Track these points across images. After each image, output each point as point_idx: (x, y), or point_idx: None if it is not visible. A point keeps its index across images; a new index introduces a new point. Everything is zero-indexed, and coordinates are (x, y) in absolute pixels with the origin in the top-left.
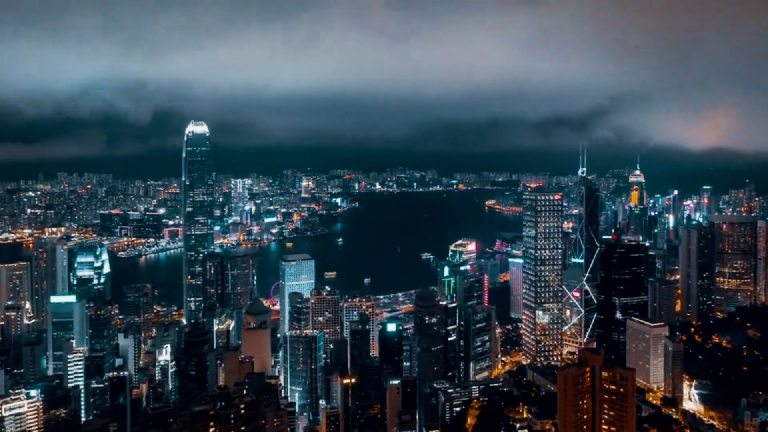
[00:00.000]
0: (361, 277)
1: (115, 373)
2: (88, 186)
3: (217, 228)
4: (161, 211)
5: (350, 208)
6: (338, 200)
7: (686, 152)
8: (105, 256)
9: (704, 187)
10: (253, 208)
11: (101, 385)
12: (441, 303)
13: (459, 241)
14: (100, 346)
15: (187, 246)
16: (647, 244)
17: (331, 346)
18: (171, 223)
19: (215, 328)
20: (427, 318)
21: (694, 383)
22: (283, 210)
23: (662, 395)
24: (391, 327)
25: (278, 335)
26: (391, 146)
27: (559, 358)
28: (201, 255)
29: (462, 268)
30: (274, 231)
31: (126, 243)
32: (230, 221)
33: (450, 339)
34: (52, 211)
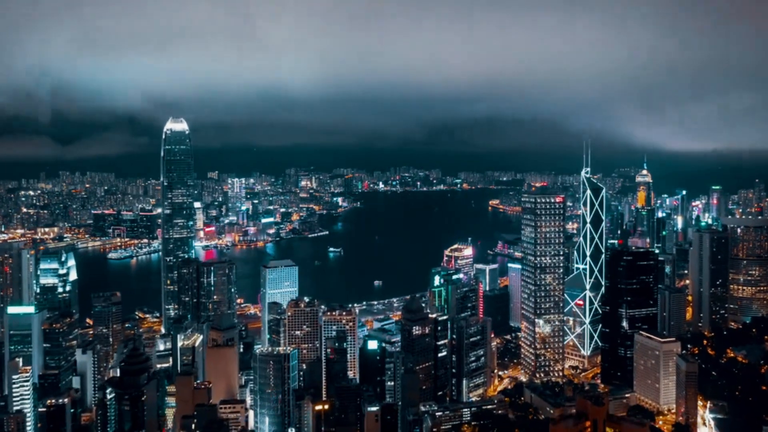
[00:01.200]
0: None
1: (54, 400)
2: (87, 185)
3: (212, 228)
4: (158, 210)
5: (351, 208)
6: (339, 200)
7: (693, 151)
8: (71, 262)
9: (713, 187)
10: (250, 208)
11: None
12: (431, 315)
13: (455, 246)
14: (55, 363)
15: (166, 250)
16: (656, 246)
17: (304, 366)
18: None
19: (179, 344)
20: (414, 332)
21: (708, 405)
22: (283, 210)
23: (674, 420)
24: (372, 344)
25: (256, 348)
26: (395, 145)
27: (560, 373)
28: (180, 260)
29: (455, 276)
30: (270, 232)
31: (118, 244)
32: (226, 221)
33: (440, 355)
34: (46, 211)
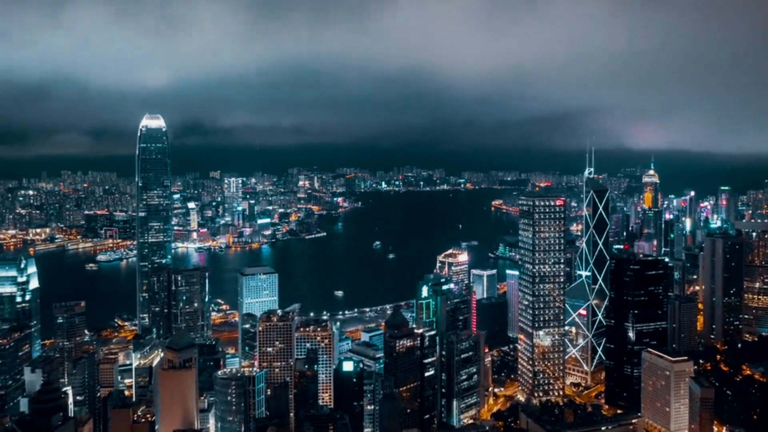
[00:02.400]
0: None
1: None
2: (86, 185)
3: (205, 230)
4: None
5: (352, 208)
6: (339, 200)
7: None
8: (32, 269)
9: (721, 187)
10: (247, 209)
11: None
12: (417, 330)
13: (449, 251)
14: (1, 383)
15: (140, 255)
16: (663, 251)
17: (268, 392)
18: None
19: (135, 363)
20: (398, 349)
21: None
22: (281, 210)
23: None
24: (348, 366)
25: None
26: (399, 144)
27: (561, 392)
28: (156, 266)
29: (445, 286)
30: (266, 233)
31: (110, 245)
32: (222, 222)
33: (428, 374)
34: (39, 212)
